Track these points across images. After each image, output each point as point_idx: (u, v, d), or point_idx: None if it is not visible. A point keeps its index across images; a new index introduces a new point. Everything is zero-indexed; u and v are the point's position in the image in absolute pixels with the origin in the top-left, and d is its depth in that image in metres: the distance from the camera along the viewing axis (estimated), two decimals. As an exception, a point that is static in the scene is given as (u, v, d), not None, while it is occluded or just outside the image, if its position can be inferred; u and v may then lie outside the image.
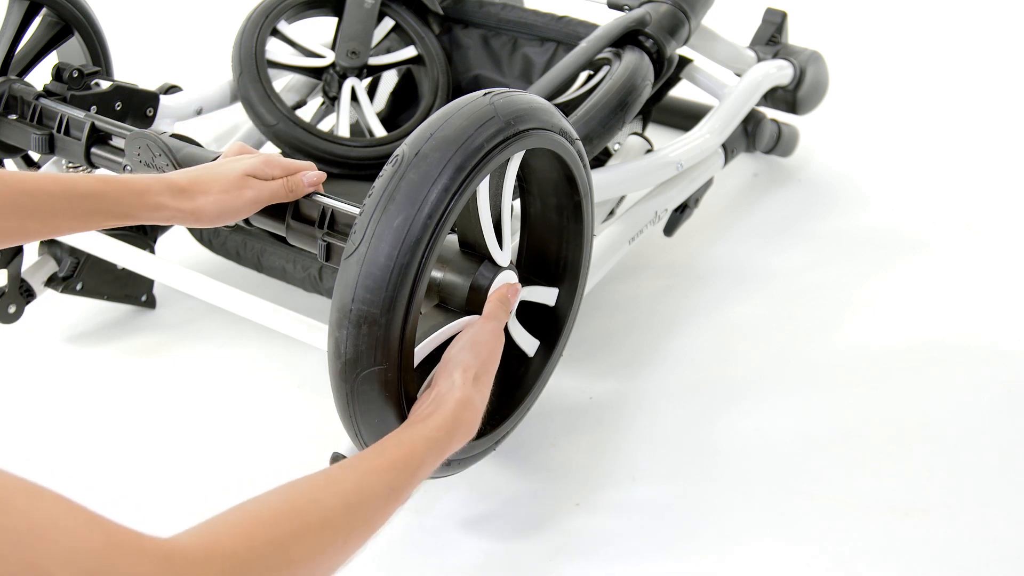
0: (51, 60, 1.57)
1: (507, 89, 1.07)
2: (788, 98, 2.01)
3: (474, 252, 1.14)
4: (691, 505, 1.38)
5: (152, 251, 1.64)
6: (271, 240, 1.55)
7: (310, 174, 1.17)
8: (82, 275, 1.61)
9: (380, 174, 0.99)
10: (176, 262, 1.47)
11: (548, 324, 1.33)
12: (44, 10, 1.57)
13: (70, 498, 0.60)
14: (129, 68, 1.81)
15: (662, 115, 2.16)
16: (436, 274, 1.14)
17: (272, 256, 1.56)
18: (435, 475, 1.17)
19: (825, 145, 2.29)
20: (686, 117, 2.09)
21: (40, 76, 1.53)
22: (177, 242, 1.76)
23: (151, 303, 1.74)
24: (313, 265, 1.52)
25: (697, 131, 1.74)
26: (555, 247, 1.29)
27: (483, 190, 1.07)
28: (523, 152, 1.10)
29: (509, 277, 1.15)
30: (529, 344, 1.30)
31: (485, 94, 1.04)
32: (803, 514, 1.37)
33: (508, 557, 1.29)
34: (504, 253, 1.15)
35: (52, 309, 1.71)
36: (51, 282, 1.60)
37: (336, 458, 1.15)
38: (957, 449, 1.47)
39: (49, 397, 1.57)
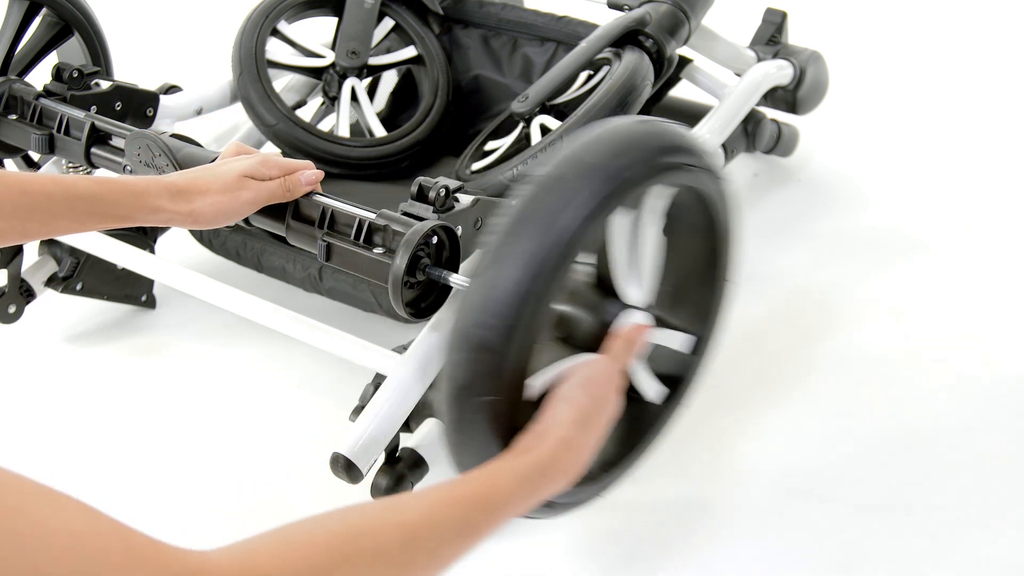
0: (51, 60, 1.57)
1: (659, 119, 1.00)
2: (788, 98, 2.01)
3: (609, 289, 1.08)
4: (691, 505, 1.38)
5: (152, 251, 1.64)
6: (271, 240, 1.55)
7: (307, 173, 1.17)
8: (82, 275, 1.61)
9: (518, 193, 0.93)
10: (176, 262, 1.46)
11: (675, 371, 1.26)
12: (44, 10, 1.57)
13: (90, 504, 0.55)
14: (129, 68, 1.81)
15: (662, 115, 2.15)
16: (563, 307, 1.09)
17: (272, 256, 1.56)
18: (533, 515, 1.09)
19: (825, 145, 2.29)
20: (686, 117, 2.08)
21: (40, 76, 1.53)
22: (177, 242, 1.76)
23: (151, 303, 1.74)
24: (313, 265, 1.52)
25: (697, 131, 1.74)
26: (691, 290, 1.21)
27: (623, 222, 1.01)
28: (671, 188, 1.03)
29: (639, 318, 1.08)
30: (655, 390, 1.23)
31: (639, 122, 0.98)
32: (803, 514, 1.37)
33: (508, 557, 1.29)
34: (638, 291, 1.08)
35: (52, 309, 1.71)
36: (51, 282, 1.60)
37: (336, 458, 1.15)
38: (957, 449, 1.47)
39: (49, 397, 1.57)
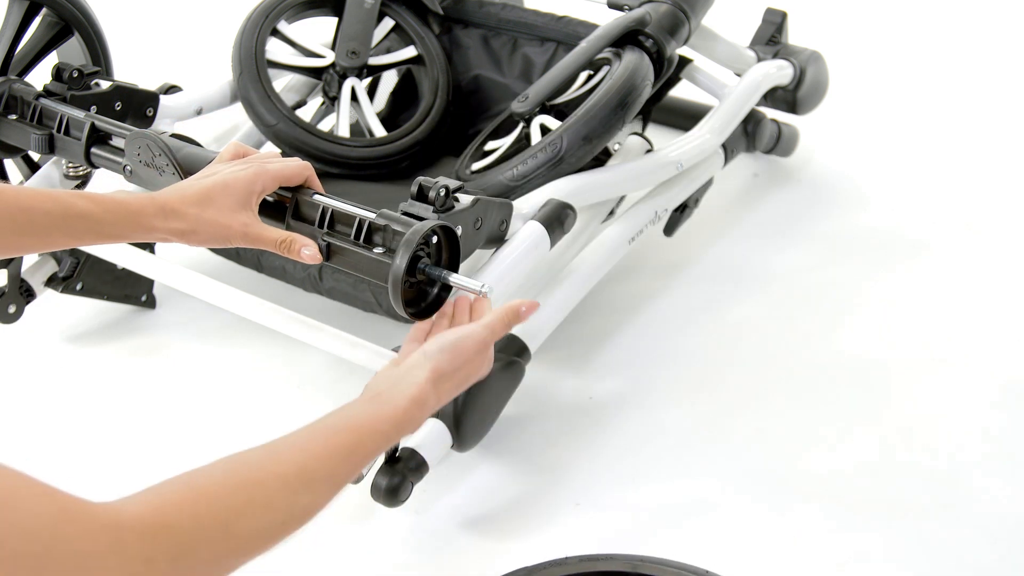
0: (51, 60, 1.57)
1: None
2: (788, 98, 2.01)
3: None
4: (691, 505, 1.38)
5: (152, 251, 1.64)
6: (271, 240, 1.55)
7: (307, 252, 1.14)
8: (82, 275, 1.61)
9: None
10: (176, 262, 1.46)
11: None
12: (44, 10, 1.57)
13: (23, 471, 0.62)
14: (129, 68, 1.81)
15: (662, 115, 2.16)
16: None
17: (272, 256, 1.56)
18: None
19: (825, 145, 2.29)
20: (686, 117, 2.08)
21: (40, 76, 1.53)
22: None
23: (151, 303, 1.74)
24: (313, 265, 1.52)
25: (697, 131, 1.74)
26: None
27: None
28: None
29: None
30: None
31: None
32: (803, 514, 1.37)
33: (508, 557, 1.29)
34: None
35: (52, 309, 1.71)
36: (51, 282, 1.60)
37: None
38: (957, 449, 1.47)
39: (49, 397, 1.57)
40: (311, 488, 0.80)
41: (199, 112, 1.69)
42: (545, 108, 1.60)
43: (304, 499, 0.79)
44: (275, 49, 1.74)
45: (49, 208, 1.04)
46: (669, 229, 1.77)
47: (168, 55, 2.65)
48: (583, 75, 1.67)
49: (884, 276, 1.88)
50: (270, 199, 1.21)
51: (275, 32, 1.74)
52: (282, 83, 1.81)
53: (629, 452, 1.47)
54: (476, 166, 1.61)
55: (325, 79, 1.77)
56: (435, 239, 1.12)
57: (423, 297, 1.14)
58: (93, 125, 1.35)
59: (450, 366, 0.96)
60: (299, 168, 1.18)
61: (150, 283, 1.72)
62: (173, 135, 1.31)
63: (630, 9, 1.71)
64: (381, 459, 1.24)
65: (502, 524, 1.36)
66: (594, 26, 1.74)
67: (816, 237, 2.00)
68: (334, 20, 1.81)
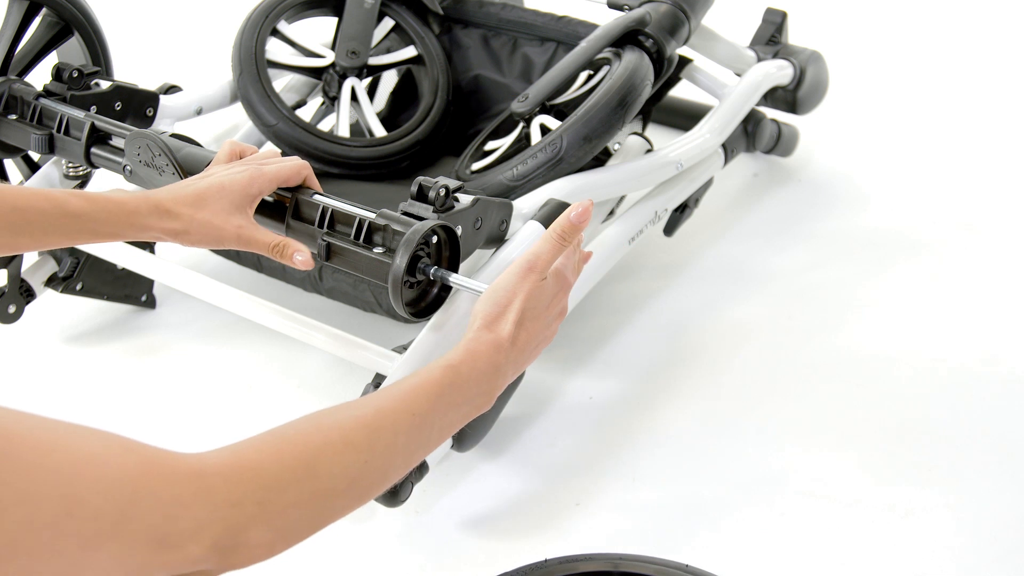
0: (51, 60, 1.57)
1: None
2: (788, 98, 2.01)
3: None
4: (691, 505, 1.38)
5: (152, 251, 1.64)
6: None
7: (299, 258, 1.15)
8: (82, 275, 1.61)
9: None
10: (176, 262, 1.47)
11: None
12: (44, 10, 1.57)
13: (102, 429, 0.63)
14: (129, 68, 1.81)
15: (662, 115, 2.16)
16: None
17: (272, 256, 1.56)
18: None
19: (825, 145, 2.29)
20: (686, 117, 2.09)
21: (40, 76, 1.53)
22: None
23: (151, 303, 1.74)
24: (313, 265, 1.52)
25: (697, 131, 1.74)
26: None
27: None
28: None
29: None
30: None
31: None
32: (803, 514, 1.37)
33: (508, 557, 1.29)
34: None
35: (52, 309, 1.71)
36: (51, 282, 1.60)
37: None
38: (957, 449, 1.47)
39: (49, 397, 1.57)
40: (390, 424, 0.80)
41: (199, 112, 1.69)
42: (545, 108, 1.60)
43: (384, 435, 0.79)
44: (275, 49, 1.74)
45: (43, 207, 1.04)
46: (669, 229, 1.77)
47: (168, 55, 2.66)
48: (583, 75, 1.67)
49: (884, 276, 1.88)
50: (270, 199, 1.21)
51: (275, 32, 1.74)
52: (282, 83, 1.81)
53: (629, 452, 1.47)
54: (476, 166, 1.61)
55: (325, 79, 1.77)
56: (435, 239, 1.12)
57: (423, 297, 1.14)
58: (93, 125, 1.35)
59: (496, 306, 0.96)
60: (297, 168, 1.18)
61: (150, 283, 1.72)
62: (173, 135, 1.31)
63: (630, 9, 1.71)
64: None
65: (502, 524, 1.36)
66: (594, 26, 1.74)
67: (816, 237, 2.00)
68: (334, 20, 1.81)
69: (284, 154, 1.63)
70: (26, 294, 1.58)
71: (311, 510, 0.72)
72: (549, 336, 1.02)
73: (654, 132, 2.01)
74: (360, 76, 1.78)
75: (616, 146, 1.70)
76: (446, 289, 1.15)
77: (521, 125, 1.61)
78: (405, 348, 1.25)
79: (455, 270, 1.16)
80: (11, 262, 1.53)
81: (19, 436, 0.59)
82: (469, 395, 0.90)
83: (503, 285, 0.97)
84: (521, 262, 0.98)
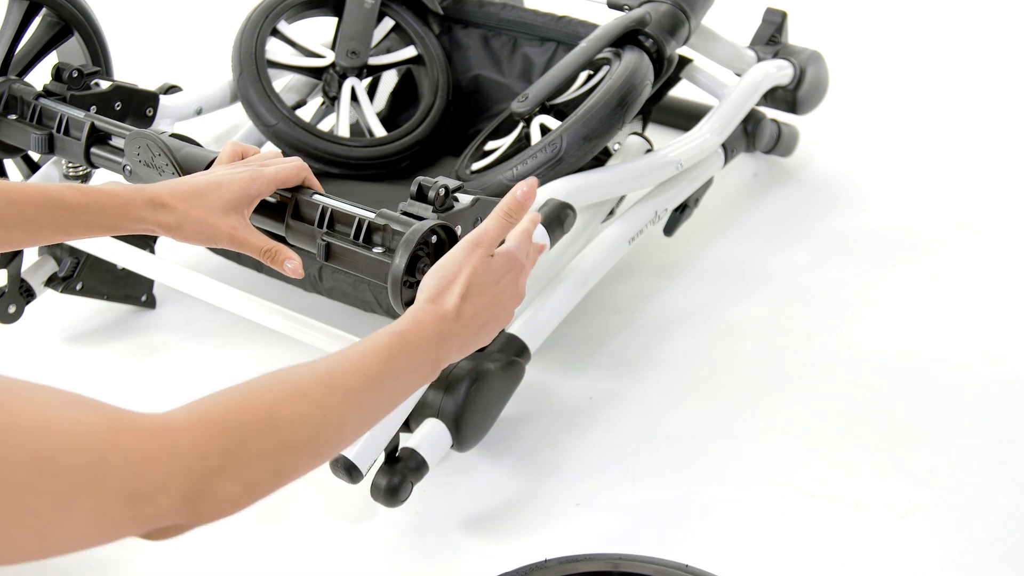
0: (51, 60, 1.57)
1: None
2: (788, 98, 2.01)
3: None
4: (691, 505, 1.38)
5: (152, 251, 1.64)
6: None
7: (290, 265, 1.16)
8: (82, 275, 1.61)
9: None
10: (176, 262, 1.47)
11: None
12: (44, 10, 1.57)
13: (68, 390, 0.65)
14: (129, 68, 1.81)
15: (662, 115, 2.16)
16: None
17: (272, 256, 1.56)
18: None
19: (825, 145, 2.29)
20: (686, 117, 2.09)
21: (40, 76, 1.53)
22: (177, 243, 1.76)
23: (151, 303, 1.74)
24: (313, 265, 1.52)
25: (697, 131, 1.74)
26: None
27: None
28: None
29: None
30: None
31: None
32: (803, 514, 1.37)
33: (508, 557, 1.29)
34: None
35: (52, 309, 1.71)
36: (51, 282, 1.60)
37: (336, 459, 1.16)
38: (957, 449, 1.47)
39: (49, 397, 1.57)
40: (342, 381, 0.82)
41: (199, 112, 1.69)
42: (545, 108, 1.60)
43: (337, 395, 0.81)
44: (275, 49, 1.74)
45: (37, 201, 1.04)
46: (669, 229, 1.77)
47: (168, 55, 2.66)
48: (583, 75, 1.67)
49: (884, 276, 1.88)
50: (271, 199, 1.21)
51: (275, 32, 1.74)
52: (282, 83, 1.81)
53: (629, 452, 1.47)
54: (476, 166, 1.61)
55: (325, 79, 1.77)
56: (435, 239, 1.12)
57: (423, 297, 1.14)
58: (93, 125, 1.35)
59: (442, 280, 0.96)
60: (296, 170, 1.19)
61: (150, 283, 1.72)
62: (173, 135, 1.31)
63: (630, 9, 1.71)
64: (381, 458, 1.24)
65: (502, 524, 1.36)
66: (594, 26, 1.75)
67: (816, 237, 2.00)
68: (334, 20, 1.81)
69: (284, 154, 1.63)
70: (26, 294, 1.58)
71: (274, 462, 0.75)
72: (502, 316, 1.02)
73: (654, 132, 2.01)
74: (360, 76, 1.78)
75: (616, 146, 1.70)
76: (446, 289, 1.15)
77: (521, 125, 1.61)
78: (405, 348, 1.25)
79: (455, 270, 1.15)
80: (11, 262, 1.53)
81: None
82: (415, 362, 0.91)
83: (449, 259, 0.99)
84: (468, 238, 1.00)
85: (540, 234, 1.37)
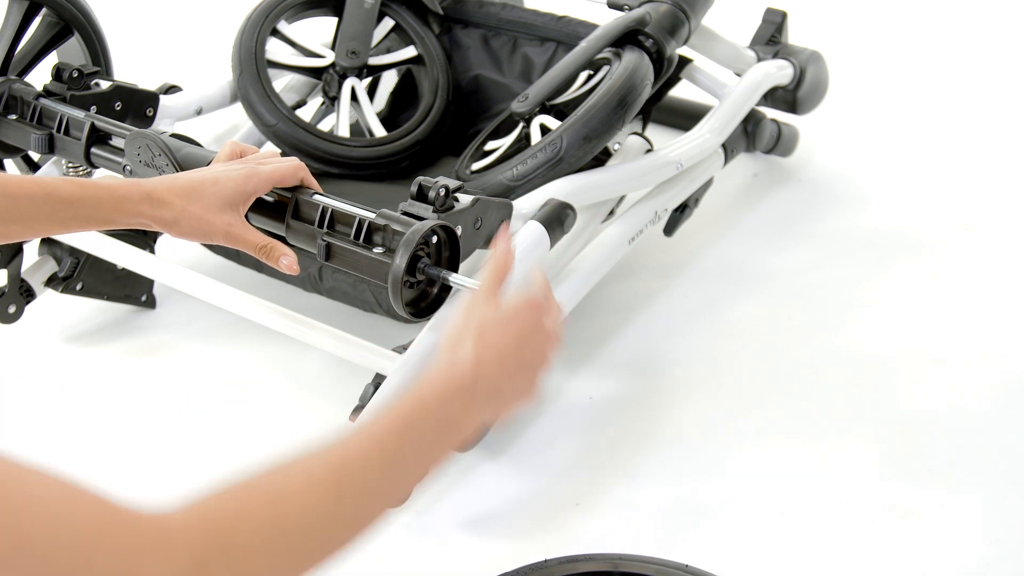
0: (51, 60, 1.57)
1: None
2: (788, 98, 2.01)
3: None
4: (691, 505, 1.38)
5: (152, 251, 1.64)
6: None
7: (285, 262, 1.15)
8: (82, 275, 1.61)
9: None
10: (176, 262, 1.47)
11: None
12: (44, 10, 1.57)
13: (63, 475, 0.61)
14: (129, 68, 1.81)
15: (662, 115, 2.16)
16: None
17: (272, 256, 1.56)
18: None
19: (825, 145, 2.28)
20: (686, 117, 2.08)
21: (40, 76, 1.53)
22: (177, 242, 1.76)
23: (151, 303, 1.74)
24: (313, 265, 1.52)
25: (697, 131, 1.74)
26: None
27: None
28: None
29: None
30: None
31: None
32: (803, 514, 1.37)
33: (508, 557, 1.29)
34: None
35: (52, 309, 1.71)
36: (51, 282, 1.60)
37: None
38: (957, 449, 1.47)
39: (49, 397, 1.57)
40: (356, 462, 0.75)
41: (199, 112, 1.70)
42: (545, 108, 1.60)
43: (352, 475, 0.73)
44: (275, 49, 1.74)
45: (33, 193, 1.04)
46: (669, 229, 1.77)
47: (168, 55, 2.65)
48: (583, 75, 1.67)
49: (884, 276, 1.88)
50: (270, 199, 1.21)
51: (275, 32, 1.74)
52: (282, 83, 1.81)
53: (629, 452, 1.47)
54: (476, 166, 1.61)
55: (325, 79, 1.77)
56: (435, 239, 1.12)
57: (423, 297, 1.14)
58: (93, 125, 1.35)
59: (451, 334, 0.88)
60: (293, 169, 1.19)
61: (150, 283, 1.72)
62: (173, 135, 1.31)
63: (630, 9, 1.71)
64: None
65: (502, 524, 1.36)
66: (594, 26, 1.74)
67: (816, 237, 1.99)
68: (334, 20, 1.81)
69: (284, 154, 1.64)
70: (26, 294, 1.58)
71: (282, 562, 0.69)
72: (535, 359, 0.91)
73: (654, 132, 2.01)
74: (360, 76, 1.78)
75: (616, 146, 1.70)
76: (446, 289, 1.15)
77: (521, 125, 1.61)
78: (405, 348, 1.25)
79: (455, 270, 1.16)
80: (11, 262, 1.53)
81: None
82: (438, 424, 0.82)
83: (454, 315, 0.91)
84: (463, 296, 0.96)
85: (541, 234, 1.37)
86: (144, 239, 1.63)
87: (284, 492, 0.70)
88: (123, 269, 1.65)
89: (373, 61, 1.81)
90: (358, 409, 1.20)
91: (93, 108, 1.48)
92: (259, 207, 1.20)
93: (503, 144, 1.64)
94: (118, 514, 0.61)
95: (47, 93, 1.45)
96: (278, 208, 1.21)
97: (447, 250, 1.15)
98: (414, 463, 0.80)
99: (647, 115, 1.84)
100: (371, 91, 1.97)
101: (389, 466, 0.77)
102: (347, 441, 0.75)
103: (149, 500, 0.65)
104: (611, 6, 1.79)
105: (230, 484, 0.69)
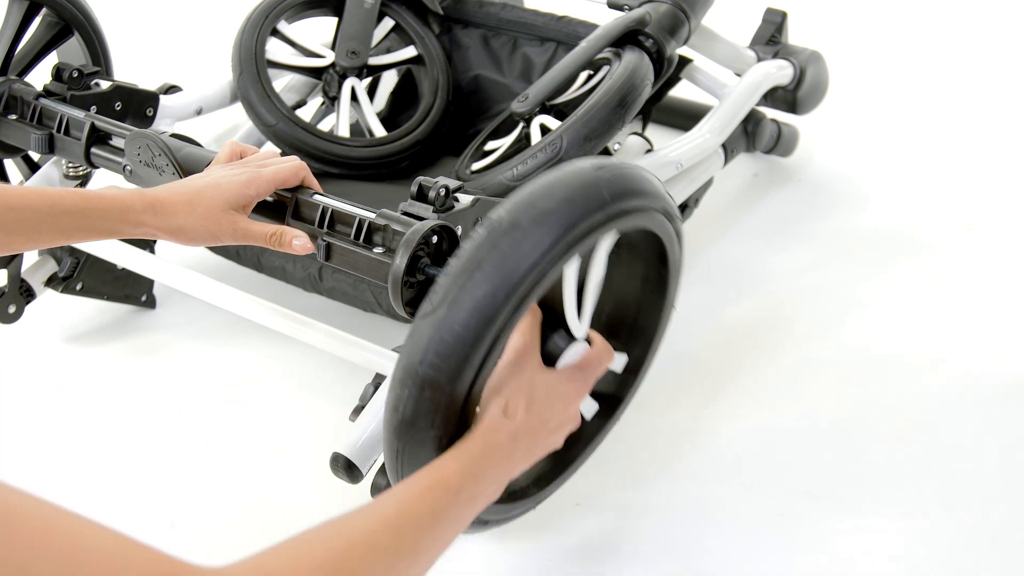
0: (51, 60, 1.57)
1: (616, 162, 1.00)
2: (788, 98, 2.01)
3: (551, 315, 1.07)
4: (691, 505, 1.38)
5: (152, 251, 1.64)
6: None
7: (297, 242, 1.15)
8: (82, 275, 1.61)
9: (471, 235, 0.93)
10: (176, 262, 1.47)
11: (610, 389, 1.30)
12: (44, 10, 1.57)
13: (114, 528, 0.60)
14: (129, 68, 1.81)
15: (662, 115, 2.16)
16: None
17: (272, 256, 1.56)
18: (470, 531, 1.16)
19: (825, 145, 2.29)
20: (686, 117, 2.09)
21: (40, 76, 1.53)
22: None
23: (151, 303, 1.74)
24: (313, 265, 1.52)
25: (697, 131, 1.74)
26: (632, 315, 1.25)
27: (574, 263, 1.01)
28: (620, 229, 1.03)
29: (582, 349, 1.08)
30: (587, 407, 1.22)
31: (595, 166, 0.97)
32: (803, 514, 1.37)
33: (508, 557, 1.29)
34: (582, 326, 1.08)
35: (52, 309, 1.71)
36: (51, 282, 1.60)
37: (336, 458, 1.15)
38: (957, 449, 1.47)
39: (49, 397, 1.57)
40: (413, 523, 0.78)
41: (199, 112, 1.70)
42: (545, 108, 1.60)
43: (408, 535, 0.77)
44: (275, 49, 1.74)
45: (36, 205, 1.04)
46: (669, 229, 1.77)
47: (168, 55, 2.66)
48: (583, 75, 1.67)
49: (884, 276, 1.88)
50: (270, 200, 1.22)
51: (275, 32, 1.74)
52: (282, 83, 1.81)
53: (629, 452, 1.47)
54: (476, 166, 1.61)
55: (325, 79, 1.77)
56: (435, 239, 1.12)
57: (423, 297, 1.14)
58: (93, 125, 1.35)
59: (506, 391, 0.96)
60: (295, 170, 1.19)
61: (150, 283, 1.72)
62: (173, 135, 1.31)
63: (630, 9, 1.71)
64: (381, 458, 1.23)
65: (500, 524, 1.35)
66: (594, 26, 1.75)
67: (816, 237, 2.00)
68: (334, 20, 1.81)
69: (284, 154, 1.64)
70: (26, 294, 1.58)
71: None
72: (568, 420, 1.03)
73: (654, 132, 2.01)
74: (360, 76, 1.78)
75: (616, 146, 1.70)
76: (446, 289, 1.15)
77: (521, 125, 1.61)
78: (405, 348, 1.25)
79: (455, 270, 1.15)
80: (11, 262, 1.54)
81: (26, 515, 0.56)
82: (488, 483, 0.90)
83: (506, 373, 0.98)
84: (510, 353, 1.00)
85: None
86: (144, 239, 1.63)
87: (343, 550, 0.71)
88: (123, 269, 1.65)
89: (373, 61, 1.81)
90: (358, 409, 1.20)
91: (93, 108, 1.48)
92: (259, 207, 1.20)
93: (503, 144, 1.64)
94: (175, 566, 0.60)
95: (47, 93, 1.45)
96: (278, 208, 1.21)
97: (447, 250, 1.15)
98: (461, 518, 0.86)
99: (647, 115, 1.84)
100: (371, 91, 1.97)
101: (440, 524, 0.82)
102: (404, 502, 0.80)
103: (154, 527, 0.64)
104: (611, 6, 1.79)
105: (285, 542, 0.70)
